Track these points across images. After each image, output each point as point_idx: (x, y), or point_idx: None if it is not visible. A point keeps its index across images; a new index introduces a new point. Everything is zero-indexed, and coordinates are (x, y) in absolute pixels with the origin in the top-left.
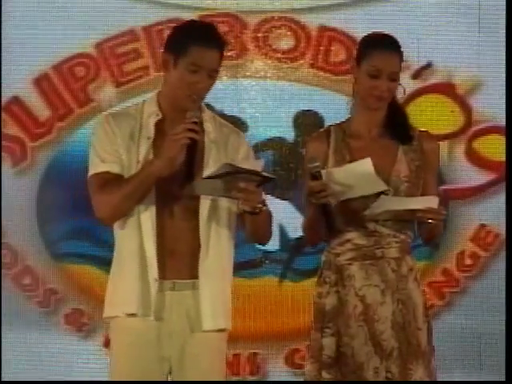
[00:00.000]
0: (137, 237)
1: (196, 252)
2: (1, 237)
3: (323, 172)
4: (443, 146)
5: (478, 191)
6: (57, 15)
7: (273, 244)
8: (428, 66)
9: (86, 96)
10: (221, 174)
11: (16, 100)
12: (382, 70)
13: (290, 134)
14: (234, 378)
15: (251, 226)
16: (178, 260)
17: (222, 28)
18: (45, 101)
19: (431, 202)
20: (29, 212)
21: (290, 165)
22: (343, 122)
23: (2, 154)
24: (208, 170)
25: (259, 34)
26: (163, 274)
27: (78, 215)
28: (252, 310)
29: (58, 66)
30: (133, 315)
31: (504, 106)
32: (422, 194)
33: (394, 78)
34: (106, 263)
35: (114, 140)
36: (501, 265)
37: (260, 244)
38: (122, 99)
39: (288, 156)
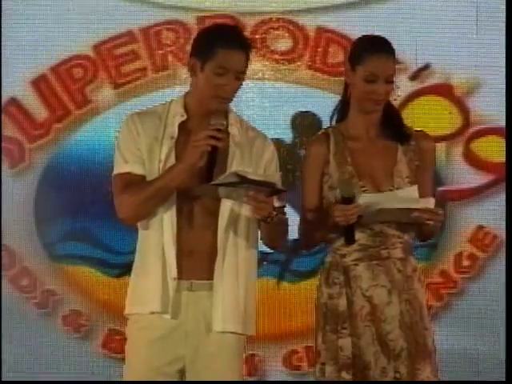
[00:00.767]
0: (158, 237)
1: (214, 254)
2: (0, 238)
3: (362, 196)
4: (441, 147)
5: (476, 192)
6: (55, 17)
7: None
8: (426, 67)
9: (83, 97)
10: (228, 183)
11: (14, 101)
12: (378, 74)
13: (287, 136)
14: None
15: (263, 232)
16: (196, 261)
17: None
18: (43, 102)
19: (428, 202)
20: (26, 213)
21: (287, 166)
22: (339, 124)
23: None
24: (235, 170)
25: (257, 36)
26: (181, 274)
27: (76, 217)
28: None
29: (56, 67)
30: (153, 313)
31: (502, 107)
32: (419, 193)
33: (391, 81)
34: (103, 264)
35: (137, 139)
36: (499, 266)
37: (272, 249)
38: (119, 100)
39: (286, 157)
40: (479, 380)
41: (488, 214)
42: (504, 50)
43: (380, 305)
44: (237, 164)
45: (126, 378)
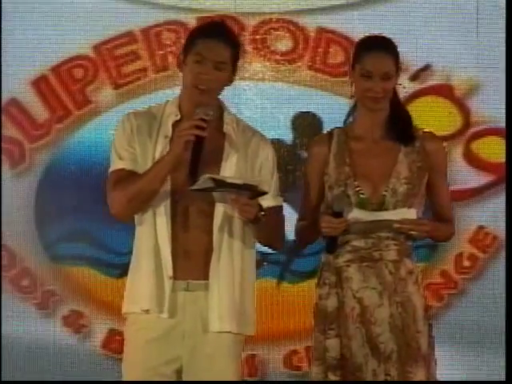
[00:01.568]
0: (152, 235)
1: (210, 254)
2: (0, 239)
3: (352, 212)
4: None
5: (476, 193)
6: (55, 17)
7: None
8: (426, 67)
9: (84, 98)
10: (205, 189)
11: (14, 102)
12: (373, 71)
13: (288, 136)
14: None
15: (256, 232)
16: (192, 261)
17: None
18: (43, 103)
19: (408, 213)
20: (27, 214)
21: (288, 167)
22: (348, 125)
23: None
24: (227, 173)
25: (257, 36)
26: (178, 274)
27: (77, 217)
28: None
29: (57, 67)
30: (147, 311)
31: (502, 107)
32: (434, 196)
33: (388, 78)
34: (104, 265)
35: (131, 138)
36: (499, 267)
37: (271, 249)
38: (120, 101)
39: (286, 158)
40: (479, 380)
41: (488, 214)
42: (504, 51)
43: (370, 307)
44: (230, 165)
45: (124, 378)
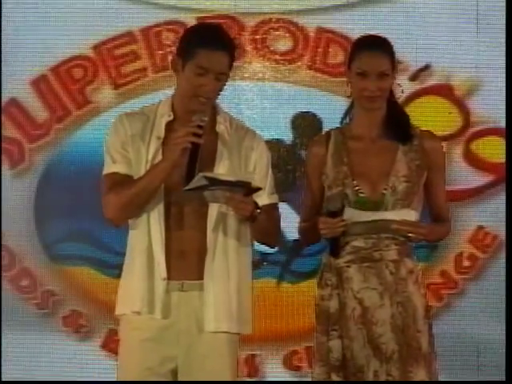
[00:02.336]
0: (146, 237)
1: (205, 254)
2: (1, 239)
3: (349, 213)
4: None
5: (476, 193)
6: (54, 17)
7: None
8: (426, 67)
9: (83, 98)
10: (199, 187)
11: (14, 102)
12: (368, 70)
13: (287, 136)
14: None
15: (252, 229)
16: (187, 261)
17: None
18: (43, 102)
19: (407, 214)
20: (27, 214)
21: (287, 167)
22: (346, 124)
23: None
24: (220, 173)
25: (257, 36)
26: (172, 275)
27: (76, 217)
28: None
29: (56, 67)
30: (138, 313)
31: (502, 107)
32: (431, 195)
33: (383, 77)
34: (103, 265)
35: (124, 140)
36: (499, 267)
37: (268, 246)
38: (120, 101)
39: (286, 158)
40: (479, 380)
41: (488, 214)
42: (504, 51)
43: (371, 307)
44: (224, 165)
45: (119, 379)
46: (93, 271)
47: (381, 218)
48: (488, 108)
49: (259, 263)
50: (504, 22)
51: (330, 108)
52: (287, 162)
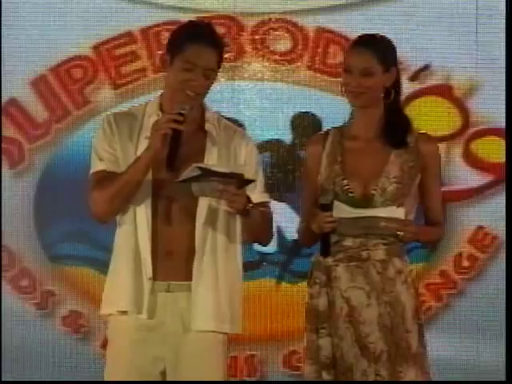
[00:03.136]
0: (132, 236)
1: (192, 254)
2: (1, 239)
3: (337, 208)
4: (441, 148)
5: (476, 193)
6: (54, 17)
7: (270, 246)
8: (426, 67)
9: (83, 98)
10: (192, 178)
11: (14, 102)
12: (351, 66)
13: (287, 136)
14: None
15: (244, 226)
16: (174, 261)
17: (220, 30)
18: (42, 103)
19: (396, 212)
20: (26, 214)
21: (287, 167)
22: (345, 124)
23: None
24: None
25: (257, 36)
26: (159, 275)
27: (76, 217)
28: (249, 312)
29: (56, 67)
30: (124, 313)
31: (501, 107)
32: (425, 198)
33: (367, 74)
34: (103, 265)
35: (112, 139)
36: (498, 267)
37: (260, 244)
38: (119, 101)
39: (286, 158)
40: (479, 380)
41: (487, 214)
42: (504, 51)
43: (358, 306)
44: (213, 162)
45: (107, 379)
46: (92, 271)
47: (369, 215)
48: (487, 108)
49: (259, 263)
50: (503, 22)
51: (330, 108)
52: (287, 162)
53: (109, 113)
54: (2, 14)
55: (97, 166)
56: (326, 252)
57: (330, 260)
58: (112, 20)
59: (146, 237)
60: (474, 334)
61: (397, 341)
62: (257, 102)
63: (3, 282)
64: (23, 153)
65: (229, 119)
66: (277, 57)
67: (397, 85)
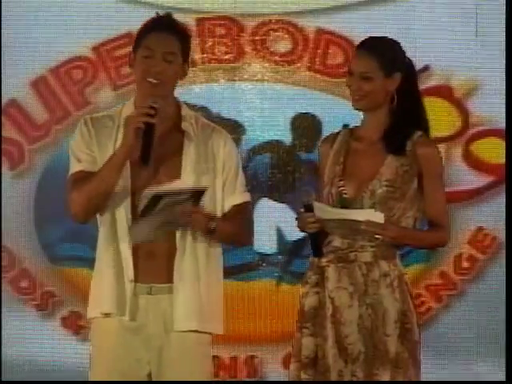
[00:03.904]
0: (113, 238)
1: (173, 256)
2: (0, 240)
3: (317, 205)
4: (441, 149)
5: (476, 194)
6: (54, 18)
7: (270, 247)
8: (425, 68)
9: (83, 99)
10: (148, 205)
11: (14, 103)
12: (352, 69)
13: (287, 137)
14: None
15: (214, 240)
16: (156, 263)
17: (220, 31)
18: (42, 104)
19: (375, 216)
20: (26, 215)
21: (287, 168)
22: (358, 126)
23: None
24: (187, 172)
25: (256, 37)
26: (140, 278)
27: None
28: (249, 313)
29: (56, 68)
30: (108, 315)
31: (501, 108)
32: (425, 202)
33: (366, 79)
34: None
35: (89, 141)
36: (498, 268)
37: (240, 246)
38: (119, 102)
39: (285, 159)
40: (479, 380)
41: (487, 215)
42: (503, 52)
43: (340, 307)
44: (191, 162)
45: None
46: (92, 272)
47: (348, 218)
48: (487, 109)
49: (258, 264)
50: (503, 23)
51: (330, 109)
52: (287, 163)
53: (86, 116)
54: (2, 14)
55: (75, 167)
56: (316, 253)
57: (323, 260)
58: (112, 21)
59: (126, 239)
60: (474, 335)
61: (375, 343)
62: (257, 103)
63: (3, 283)
64: (23, 154)
65: (228, 120)
66: (277, 58)
67: (405, 89)
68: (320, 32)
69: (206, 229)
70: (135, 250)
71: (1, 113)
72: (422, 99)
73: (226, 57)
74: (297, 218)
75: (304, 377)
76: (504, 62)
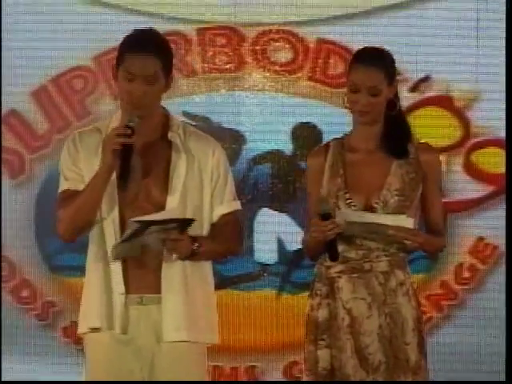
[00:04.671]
0: (102, 252)
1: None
2: (1, 250)
3: (341, 213)
4: (441, 158)
5: (476, 204)
6: (55, 28)
7: (271, 257)
8: (426, 78)
9: (84, 109)
10: (132, 234)
11: (14, 113)
12: (359, 84)
13: (288, 147)
14: None
15: (206, 258)
16: (145, 274)
17: (220, 41)
18: (43, 113)
19: (405, 221)
20: (27, 224)
21: (288, 178)
22: (344, 135)
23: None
24: (175, 182)
25: (257, 47)
26: (130, 288)
27: None
28: (250, 323)
29: (57, 78)
30: (97, 329)
31: (502, 118)
32: (425, 208)
33: (375, 93)
34: None
35: (76, 157)
36: (499, 278)
37: (231, 256)
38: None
39: (286, 169)
40: (479, 380)
41: (488, 225)
42: (504, 62)
43: (359, 317)
44: (178, 173)
45: None
46: None
47: (378, 222)
48: (488, 119)
49: (259, 274)
50: (504, 32)
51: (330, 119)
52: (287, 173)
53: (75, 131)
54: (2, 24)
55: (62, 185)
56: (334, 257)
57: (332, 271)
58: (113, 31)
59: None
60: (475, 344)
61: (395, 352)
62: (257, 113)
63: (3, 293)
64: (24, 163)
65: (229, 130)
66: (277, 67)
67: (396, 94)
68: (321, 42)
69: (191, 252)
70: (124, 264)
71: (1, 122)
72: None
73: (227, 66)
74: (311, 227)
75: None
76: (504, 71)
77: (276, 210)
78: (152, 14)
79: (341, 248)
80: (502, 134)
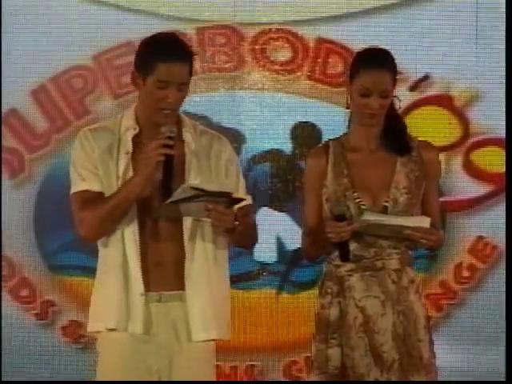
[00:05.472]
0: (120, 252)
1: (182, 263)
2: (0, 249)
3: (365, 214)
4: (441, 158)
5: (476, 203)
6: (55, 27)
7: (270, 256)
8: (425, 78)
9: (83, 108)
10: (184, 199)
11: (14, 112)
12: (371, 88)
13: (287, 146)
14: None
15: (230, 238)
16: (164, 271)
17: (220, 40)
18: (42, 113)
19: (422, 221)
20: (26, 224)
21: (287, 177)
22: (342, 135)
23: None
24: (191, 180)
25: (257, 46)
26: (149, 287)
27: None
28: (249, 322)
29: (56, 78)
30: (113, 330)
31: (501, 117)
32: (424, 205)
33: (386, 96)
34: None
35: (91, 156)
36: (498, 277)
37: (244, 249)
38: (119, 111)
39: (286, 168)
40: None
41: (488, 224)
42: (504, 61)
43: (373, 316)
44: (194, 172)
45: None
46: (92, 281)
47: (395, 224)
48: (488, 118)
49: (258, 274)
50: (503, 32)
51: (330, 118)
52: (287, 173)
53: (84, 128)
54: (2, 23)
55: (79, 185)
56: (345, 257)
57: (343, 270)
58: (112, 30)
59: (135, 253)
60: (474, 344)
61: (409, 350)
62: (257, 112)
63: (3, 292)
64: (23, 163)
65: (229, 129)
66: (277, 67)
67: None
68: (320, 41)
69: (232, 227)
70: (143, 262)
71: (1, 122)
72: None
73: (226, 66)
74: (327, 228)
75: None
76: (504, 71)
77: (275, 209)
78: (151, 14)
79: (352, 246)
80: (502, 133)
